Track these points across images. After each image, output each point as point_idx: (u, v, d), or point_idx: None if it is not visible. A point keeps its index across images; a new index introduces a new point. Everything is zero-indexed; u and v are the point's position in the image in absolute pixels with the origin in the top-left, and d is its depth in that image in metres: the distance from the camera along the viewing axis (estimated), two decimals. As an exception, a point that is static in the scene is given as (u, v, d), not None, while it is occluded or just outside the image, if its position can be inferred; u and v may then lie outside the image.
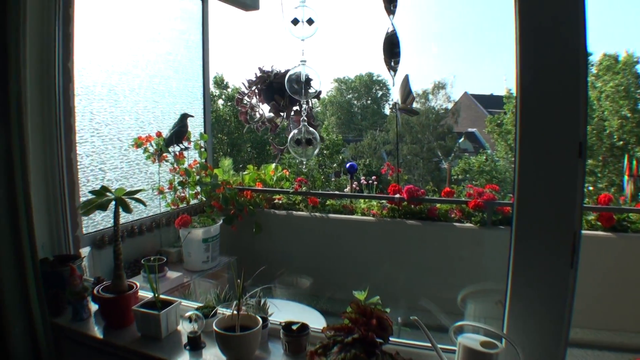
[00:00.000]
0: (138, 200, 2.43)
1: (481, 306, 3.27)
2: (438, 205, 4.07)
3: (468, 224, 3.90)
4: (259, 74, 2.70)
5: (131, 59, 3.86)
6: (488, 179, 20.02)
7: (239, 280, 1.97)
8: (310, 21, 2.01)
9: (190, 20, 4.39)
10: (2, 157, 2.13)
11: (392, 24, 1.87)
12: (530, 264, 1.63)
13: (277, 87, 2.62)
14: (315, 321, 3.22)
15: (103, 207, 2.37)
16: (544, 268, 1.60)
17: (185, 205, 4.26)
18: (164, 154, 4.01)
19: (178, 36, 4.30)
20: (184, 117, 4.03)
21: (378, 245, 4.15)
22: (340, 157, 27.72)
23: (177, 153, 4.09)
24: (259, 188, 4.63)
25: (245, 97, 2.71)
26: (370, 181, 5.01)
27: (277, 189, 4.62)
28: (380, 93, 37.96)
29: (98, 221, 3.61)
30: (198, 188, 4.37)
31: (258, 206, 4.52)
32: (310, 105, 2.47)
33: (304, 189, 4.41)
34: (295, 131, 2.19)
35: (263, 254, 4.60)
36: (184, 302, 2.47)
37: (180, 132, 3.99)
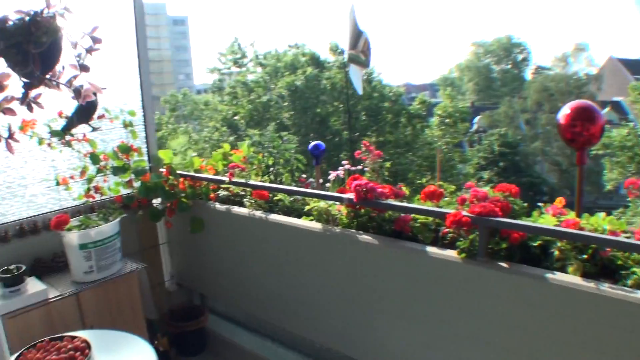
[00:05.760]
0: None
1: None
2: (413, 214, 2.77)
3: (450, 252, 2.37)
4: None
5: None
6: (630, 156, 16.97)
7: None
8: None
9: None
10: None
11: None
12: None
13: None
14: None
15: None
16: None
17: (106, 197, 3.53)
18: (70, 138, 3.28)
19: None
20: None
21: (311, 267, 3.00)
22: (473, 126, 26.04)
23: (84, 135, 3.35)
24: (194, 174, 3.71)
25: None
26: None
27: (207, 177, 3.67)
28: (520, 57, 34.68)
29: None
30: (133, 175, 3.61)
31: (199, 198, 3.62)
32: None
33: (238, 178, 3.39)
34: None
35: (198, 260, 3.80)
36: None
37: (83, 109, 3.19)
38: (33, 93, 1.86)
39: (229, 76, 28.88)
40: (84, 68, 1.69)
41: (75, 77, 1.68)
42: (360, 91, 3.16)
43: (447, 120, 22.30)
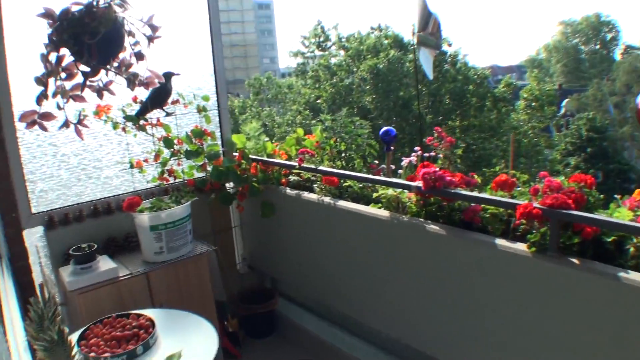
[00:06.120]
0: None
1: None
2: (484, 205, 2.63)
3: (519, 245, 2.19)
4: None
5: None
6: None
7: None
8: None
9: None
10: None
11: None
12: None
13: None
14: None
15: None
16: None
17: (180, 180, 3.63)
18: (144, 123, 3.40)
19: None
20: (166, 77, 3.30)
21: (377, 256, 2.90)
22: (561, 110, 24.78)
23: (157, 120, 3.46)
24: (265, 159, 3.72)
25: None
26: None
27: (278, 162, 3.66)
28: (609, 36, 32.40)
29: (52, 199, 3.23)
30: (206, 159, 3.69)
31: (271, 182, 3.64)
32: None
33: (308, 164, 3.35)
34: None
35: (269, 244, 3.85)
36: None
37: (157, 94, 3.30)
38: (104, 80, 1.92)
39: (312, 59, 29.03)
40: (139, 57, 1.72)
41: (129, 65, 1.71)
42: (430, 75, 3.03)
43: (533, 104, 21.29)
